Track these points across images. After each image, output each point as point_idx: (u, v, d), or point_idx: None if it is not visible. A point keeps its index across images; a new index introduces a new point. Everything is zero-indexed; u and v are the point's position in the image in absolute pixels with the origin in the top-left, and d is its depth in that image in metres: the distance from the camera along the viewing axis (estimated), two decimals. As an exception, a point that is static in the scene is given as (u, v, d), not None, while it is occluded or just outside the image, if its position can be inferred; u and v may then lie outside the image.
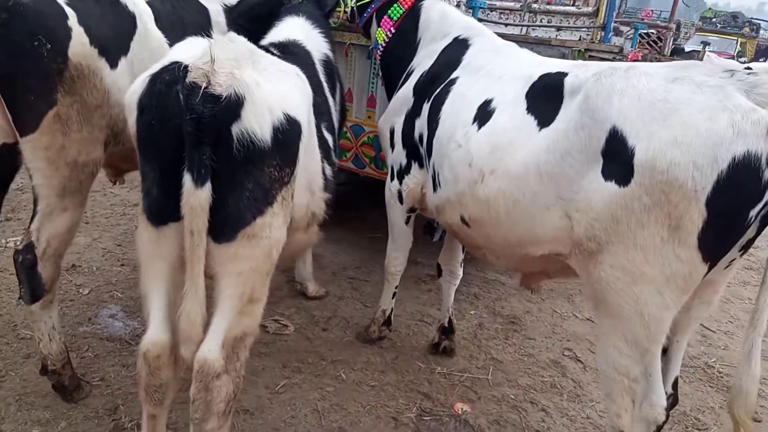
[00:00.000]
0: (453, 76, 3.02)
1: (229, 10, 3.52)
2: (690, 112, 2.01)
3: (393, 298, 3.74)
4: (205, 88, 1.88)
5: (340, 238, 5.28)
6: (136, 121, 2.04)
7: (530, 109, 2.52)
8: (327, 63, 3.31)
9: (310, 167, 2.54)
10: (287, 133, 2.07)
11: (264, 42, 3.10)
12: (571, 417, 3.40)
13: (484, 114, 2.68)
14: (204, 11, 3.38)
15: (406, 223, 3.44)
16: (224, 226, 2.03)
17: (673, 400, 2.49)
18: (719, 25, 28.37)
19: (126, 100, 2.12)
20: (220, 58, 1.96)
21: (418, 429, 3.13)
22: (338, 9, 4.17)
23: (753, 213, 1.99)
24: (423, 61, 3.31)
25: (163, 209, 2.02)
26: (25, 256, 2.57)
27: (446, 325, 3.76)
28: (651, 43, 8.06)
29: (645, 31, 8.67)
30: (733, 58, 19.41)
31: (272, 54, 2.62)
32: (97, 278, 4.19)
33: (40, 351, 2.83)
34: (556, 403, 3.49)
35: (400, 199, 3.34)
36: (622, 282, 2.17)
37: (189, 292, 2.01)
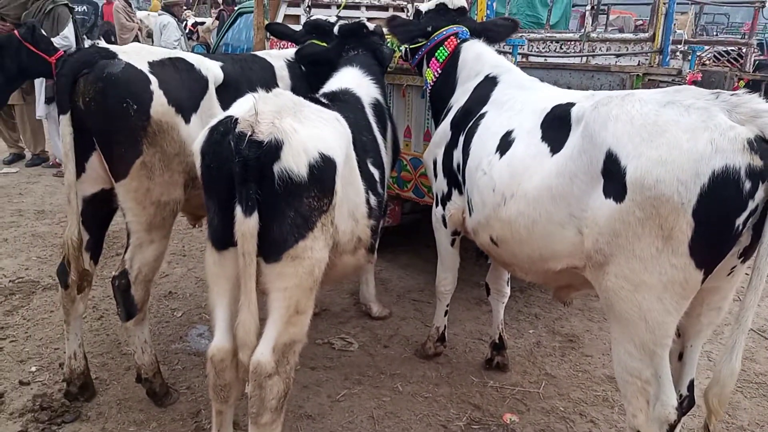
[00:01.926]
0: (483, 110, 3.33)
1: (291, 65, 4.03)
2: (675, 133, 2.21)
3: (445, 315, 4.02)
4: (250, 136, 2.31)
5: (406, 264, 5.63)
6: (200, 165, 2.51)
7: (544, 138, 2.78)
8: (377, 106, 3.69)
9: (353, 197, 2.90)
10: (323, 169, 2.44)
11: (320, 91, 3.56)
12: (620, 429, 3.50)
13: (505, 144, 2.97)
14: (269, 68, 3.91)
15: (452, 245, 3.75)
16: (271, 248, 2.42)
17: (688, 402, 2.62)
18: (830, 35, 26.56)
19: (194, 148, 2.60)
20: (263, 110, 2.39)
21: (466, 436, 3.38)
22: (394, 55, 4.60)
23: (739, 222, 2.16)
24: (460, 98, 3.63)
25: (223, 236, 2.43)
26: (120, 281, 3.12)
27: (497, 341, 3.98)
28: (731, 60, 7.94)
29: (724, 49, 8.53)
30: None
31: (321, 103, 3.05)
32: (190, 303, 4.78)
33: (135, 362, 3.37)
34: (606, 416, 3.61)
35: (444, 224, 3.66)
36: (625, 290, 2.37)
37: (243, 305, 2.41)
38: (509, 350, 4.08)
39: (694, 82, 4.35)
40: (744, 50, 7.99)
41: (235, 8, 9.01)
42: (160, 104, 2.97)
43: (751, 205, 2.14)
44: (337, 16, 4.44)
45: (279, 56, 4.04)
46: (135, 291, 3.13)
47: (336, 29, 4.15)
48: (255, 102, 2.42)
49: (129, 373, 3.70)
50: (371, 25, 4.14)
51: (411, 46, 4.12)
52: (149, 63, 3.05)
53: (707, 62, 7.96)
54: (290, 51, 4.17)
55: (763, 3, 8.91)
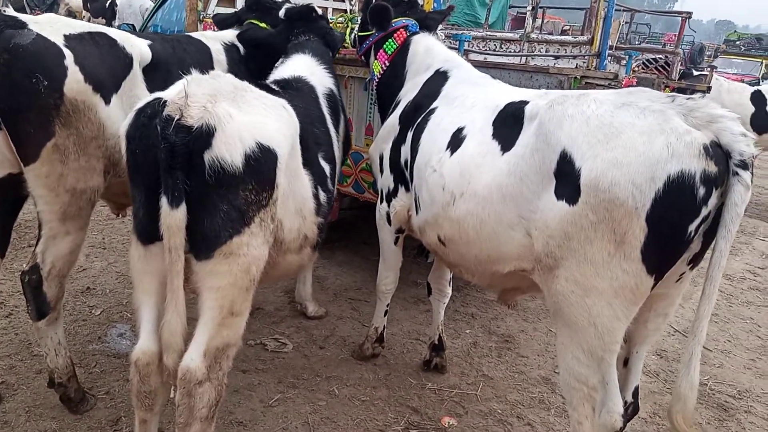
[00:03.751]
0: (433, 106, 3.22)
1: (228, 48, 3.79)
2: (631, 135, 2.16)
3: (385, 316, 3.90)
4: (178, 120, 2.11)
5: (343, 261, 5.49)
6: (125, 150, 2.29)
7: (495, 135, 2.70)
8: (331, 96, 3.51)
9: (300, 193, 2.72)
10: (260, 160, 2.26)
11: (270, 78, 3.36)
12: (557, 431, 3.50)
13: (456, 141, 2.87)
14: (206, 50, 3.66)
15: (395, 243, 3.62)
16: (202, 244, 2.24)
17: (633, 409, 2.60)
18: (743, 48, 28.39)
19: (120, 131, 2.37)
20: (195, 93, 2.19)
21: (405, 441, 3.28)
22: (344, 44, 4.45)
23: (692, 228, 2.13)
24: (409, 92, 3.51)
25: (149, 229, 2.22)
26: (31, 276, 2.82)
27: (436, 342, 3.90)
28: (659, 68, 8.20)
29: (652, 57, 8.81)
30: (757, 80, 19.38)
31: (271, 90, 2.86)
32: (110, 300, 4.44)
33: (47, 365, 3.06)
34: (542, 418, 3.59)
35: (389, 221, 3.53)
36: (575, 295, 2.31)
37: (169, 304, 2.22)
38: (446, 350, 4.00)
39: (630, 87, 4.41)
40: (671, 59, 8.29)
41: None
42: (75, 81, 2.69)
43: (704, 212, 2.12)
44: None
45: (216, 38, 3.79)
46: (48, 287, 2.84)
47: (283, 12, 3.93)
48: (186, 83, 2.22)
49: (40, 377, 3.39)
50: (319, 9, 3.96)
51: (360, 34, 3.97)
52: (65, 36, 2.75)
53: (636, 69, 8.22)
54: (227, 33, 3.92)
55: (690, 14, 9.29)
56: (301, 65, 3.51)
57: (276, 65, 3.61)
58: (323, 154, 3.04)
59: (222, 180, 2.16)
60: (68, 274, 2.93)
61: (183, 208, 2.10)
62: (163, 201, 2.09)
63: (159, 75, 3.07)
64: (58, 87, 2.64)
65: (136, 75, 3.00)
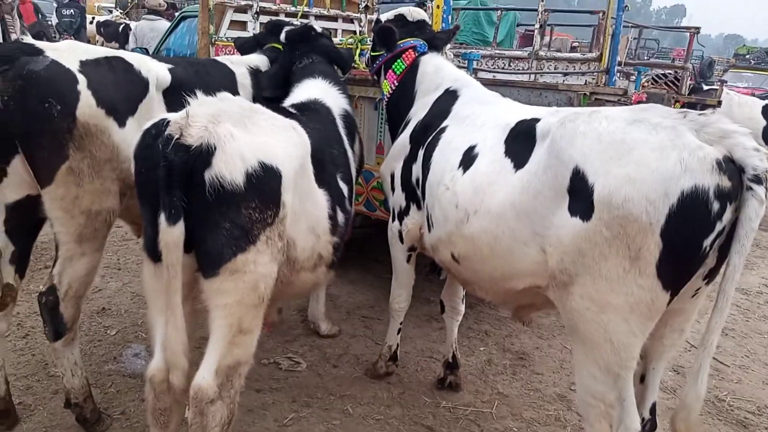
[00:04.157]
0: (443, 125, 3.24)
1: (253, 72, 3.83)
2: (643, 151, 2.17)
3: (398, 334, 3.90)
4: (177, 138, 2.15)
5: (356, 279, 5.49)
6: (134, 170, 2.34)
7: (507, 153, 2.71)
8: (346, 117, 3.55)
9: (313, 212, 2.74)
10: (262, 179, 2.28)
11: (287, 102, 3.39)
12: (574, 450, 3.47)
13: (468, 159, 2.88)
14: (230, 75, 3.69)
15: (408, 261, 3.62)
16: (208, 261, 2.27)
17: (651, 426, 2.57)
18: (753, 62, 28.33)
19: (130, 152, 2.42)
20: (197, 113, 2.23)
21: (420, 461, 3.25)
22: (354, 65, 4.51)
23: (707, 243, 2.13)
24: (419, 111, 3.54)
25: (157, 246, 2.23)
26: (48, 297, 2.85)
27: (450, 360, 3.89)
28: (668, 83, 8.20)
29: (662, 72, 8.81)
30: (768, 94, 19.32)
31: (287, 112, 2.90)
32: (125, 320, 4.48)
33: (63, 385, 3.09)
34: (559, 437, 3.57)
35: (401, 239, 3.54)
36: (590, 311, 2.30)
37: (169, 322, 2.24)
38: (460, 368, 3.99)
39: (639, 103, 4.42)
40: (680, 74, 8.29)
41: (176, 13, 8.72)
42: (87, 105, 2.74)
43: (719, 227, 2.11)
44: (300, 21, 4.28)
45: (241, 63, 3.81)
46: (64, 308, 2.87)
47: (283, 36, 3.96)
48: (190, 105, 2.28)
49: (57, 398, 3.40)
50: (319, 27, 4.00)
51: (372, 54, 4.02)
52: (81, 62, 2.81)
53: (645, 84, 8.22)
54: (253, 58, 3.95)
55: (698, 29, 9.31)
56: (314, 89, 3.54)
57: (291, 89, 3.65)
58: (341, 175, 3.07)
59: (223, 198, 2.19)
60: (84, 294, 2.97)
61: (180, 225, 2.13)
62: (161, 218, 2.12)
63: (180, 98, 3.11)
64: (71, 111, 2.70)
65: (154, 98, 3.05)
